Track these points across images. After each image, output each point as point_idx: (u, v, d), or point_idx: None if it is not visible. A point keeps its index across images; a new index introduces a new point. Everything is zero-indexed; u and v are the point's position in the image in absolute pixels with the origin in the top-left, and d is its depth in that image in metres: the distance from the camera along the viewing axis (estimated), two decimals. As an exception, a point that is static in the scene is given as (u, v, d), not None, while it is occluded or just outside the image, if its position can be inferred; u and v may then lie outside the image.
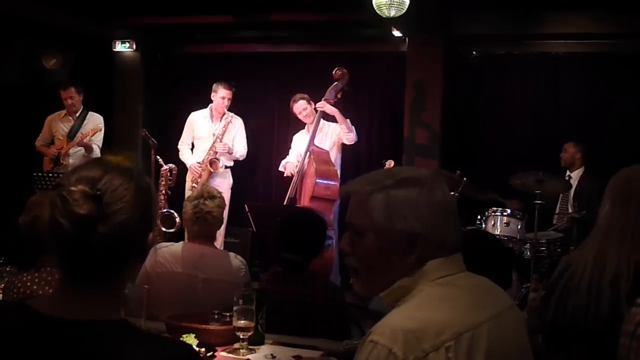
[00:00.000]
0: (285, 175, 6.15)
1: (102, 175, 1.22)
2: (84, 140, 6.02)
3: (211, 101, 6.22)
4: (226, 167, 6.25)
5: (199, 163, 6.15)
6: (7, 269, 3.05)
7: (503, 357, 1.32)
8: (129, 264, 1.26)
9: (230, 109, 6.26)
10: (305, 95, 6.05)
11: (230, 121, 6.19)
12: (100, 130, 6.11)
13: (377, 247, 1.37)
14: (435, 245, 1.36)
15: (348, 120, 6.00)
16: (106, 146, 6.36)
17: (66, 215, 1.16)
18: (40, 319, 1.17)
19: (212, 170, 6.08)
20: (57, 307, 1.18)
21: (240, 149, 6.28)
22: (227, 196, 5.93)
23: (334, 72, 6.01)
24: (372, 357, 1.23)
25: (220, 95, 6.13)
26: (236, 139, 6.26)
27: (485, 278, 1.48)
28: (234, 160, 6.32)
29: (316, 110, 6.02)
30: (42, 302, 1.22)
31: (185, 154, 6.31)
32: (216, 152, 6.10)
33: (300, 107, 6.00)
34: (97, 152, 6.20)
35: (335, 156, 6.01)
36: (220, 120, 6.21)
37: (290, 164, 6.11)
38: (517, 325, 1.43)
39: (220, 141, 6.11)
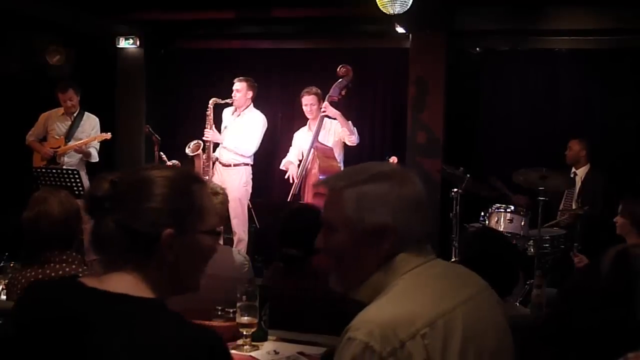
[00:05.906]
0: (286, 177, 6.10)
1: (136, 170, 1.36)
2: (85, 144, 6.04)
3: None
4: (235, 164, 6.04)
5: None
6: (11, 264, 3.06)
7: (479, 337, 1.34)
8: (153, 251, 1.31)
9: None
10: (320, 92, 5.96)
11: (239, 114, 6.11)
12: (108, 138, 6.14)
13: (348, 241, 1.41)
14: (404, 237, 1.39)
15: (350, 122, 5.93)
16: (108, 143, 6.36)
17: (86, 196, 1.33)
18: (85, 289, 1.27)
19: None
20: (96, 282, 1.29)
21: (241, 144, 5.99)
22: (238, 193, 5.88)
23: (338, 69, 5.96)
24: (350, 353, 1.26)
25: (234, 87, 6.08)
26: (242, 133, 6.02)
27: (457, 264, 1.51)
28: (242, 156, 6.06)
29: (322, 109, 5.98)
30: (86, 279, 1.31)
31: None
32: (206, 140, 6.05)
33: (312, 99, 5.91)
34: (95, 156, 6.19)
35: (338, 153, 5.99)
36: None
37: (292, 166, 6.06)
38: (492, 306, 1.45)
39: (210, 128, 6.04)
